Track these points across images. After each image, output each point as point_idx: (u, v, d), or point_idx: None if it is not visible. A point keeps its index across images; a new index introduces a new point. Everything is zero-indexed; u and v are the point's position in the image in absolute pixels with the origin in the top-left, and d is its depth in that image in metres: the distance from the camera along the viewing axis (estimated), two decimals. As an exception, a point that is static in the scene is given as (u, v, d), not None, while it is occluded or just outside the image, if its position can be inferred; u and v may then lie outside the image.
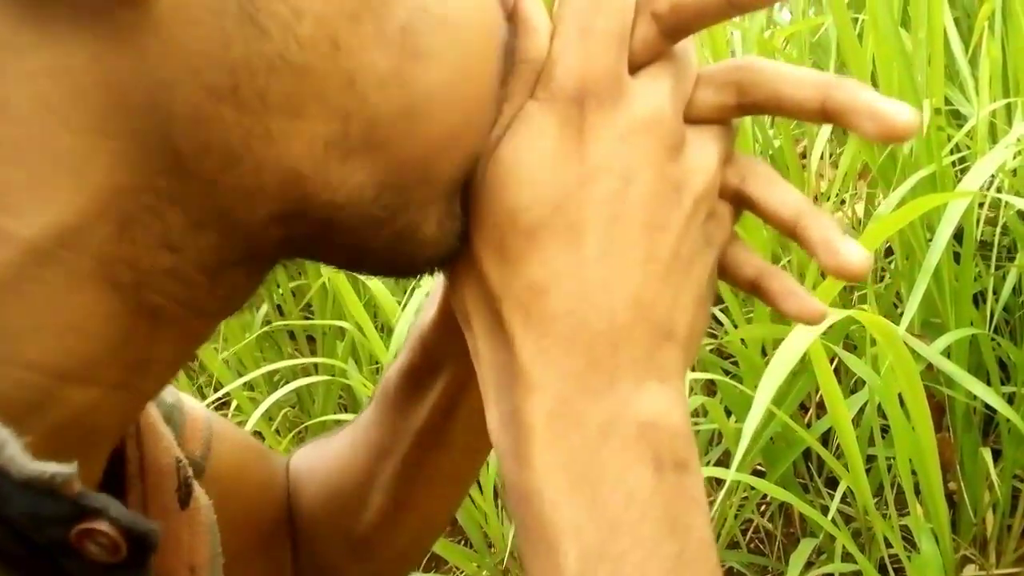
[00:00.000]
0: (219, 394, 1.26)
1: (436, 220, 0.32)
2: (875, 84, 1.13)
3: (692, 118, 0.34)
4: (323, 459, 0.53)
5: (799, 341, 0.73)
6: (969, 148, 1.16)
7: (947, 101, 1.24)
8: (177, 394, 0.46)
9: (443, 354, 0.43)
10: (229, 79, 0.26)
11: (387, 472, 0.47)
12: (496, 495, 1.14)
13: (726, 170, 0.35)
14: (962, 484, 1.04)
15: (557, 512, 0.30)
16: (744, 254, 0.37)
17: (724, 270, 0.36)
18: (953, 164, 1.14)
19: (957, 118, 1.29)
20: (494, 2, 0.33)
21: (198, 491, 0.39)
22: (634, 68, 0.33)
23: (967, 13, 1.46)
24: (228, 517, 0.41)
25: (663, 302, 0.32)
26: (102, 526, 0.26)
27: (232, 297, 0.31)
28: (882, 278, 1.23)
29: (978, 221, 1.12)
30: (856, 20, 1.27)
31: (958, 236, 1.03)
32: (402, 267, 0.34)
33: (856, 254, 0.32)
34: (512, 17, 0.34)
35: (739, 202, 0.36)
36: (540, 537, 0.31)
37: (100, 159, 0.26)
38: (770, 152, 1.25)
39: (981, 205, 1.08)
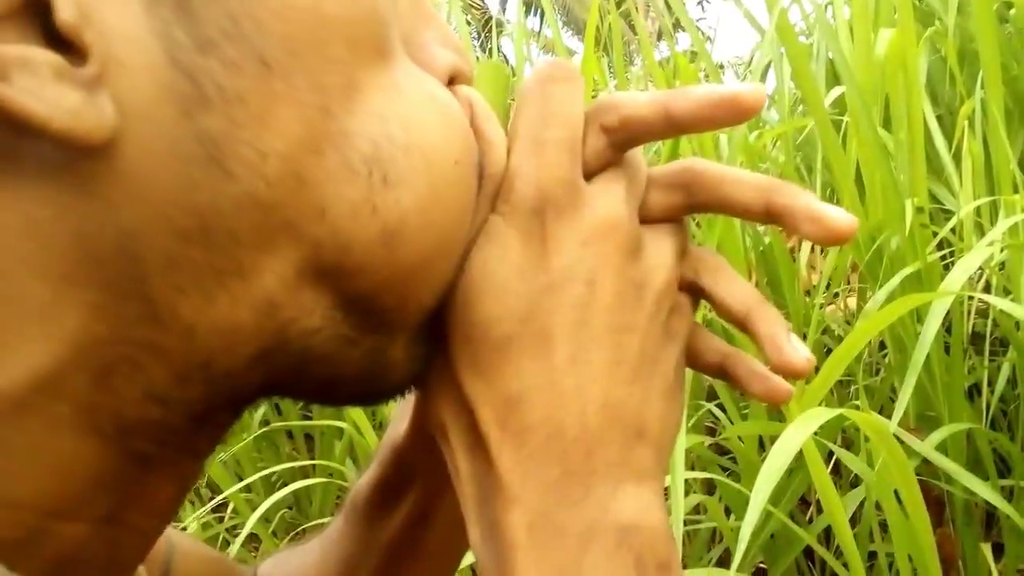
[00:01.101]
0: (218, 500, 1.26)
1: (403, 344, 0.32)
2: (859, 184, 1.16)
3: (646, 219, 0.35)
4: (292, 572, 0.52)
5: (793, 439, 0.73)
6: (957, 242, 1.18)
7: (933, 197, 1.26)
8: None
9: (416, 467, 0.43)
10: (198, 221, 0.26)
11: None
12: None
13: (681, 264, 0.36)
14: (965, 580, 1.02)
15: None
16: (707, 341, 0.38)
17: (690, 358, 0.37)
18: (943, 258, 1.16)
19: (945, 212, 1.32)
20: (463, 124, 0.33)
21: None
22: (588, 176, 0.34)
23: (949, 110, 1.49)
24: None
25: (632, 402, 0.33)
26: None
27: (217, 436, 0.31)
28: (877, 371, 1.23)
29: (969, 313, 1.13)
30: (839, 123, 1.30)
31: (950, 328, 1.04)
32: (373, 393, 0.34)
33: (798, 353, 0.34)
34: None
35: (694, 293, 0.37)
36: None
37: (73, 309, 0.26)
38: (760, 248, 1.26)
39: (971, 298, 1.09)
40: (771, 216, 0.34)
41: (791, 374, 0.34)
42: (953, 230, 1.14)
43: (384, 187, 0.29)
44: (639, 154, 0.36)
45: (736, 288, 0.36)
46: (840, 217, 0.33)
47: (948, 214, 1.31)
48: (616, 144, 0.35)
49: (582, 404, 0.32)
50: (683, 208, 0.36)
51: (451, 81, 0.35)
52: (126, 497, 0.29)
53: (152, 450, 0.28)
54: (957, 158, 1.24)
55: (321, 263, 0.28)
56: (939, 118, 1.34)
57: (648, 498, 0.32)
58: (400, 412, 0.44)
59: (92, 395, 0.26)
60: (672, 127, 0.34)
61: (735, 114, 0.33)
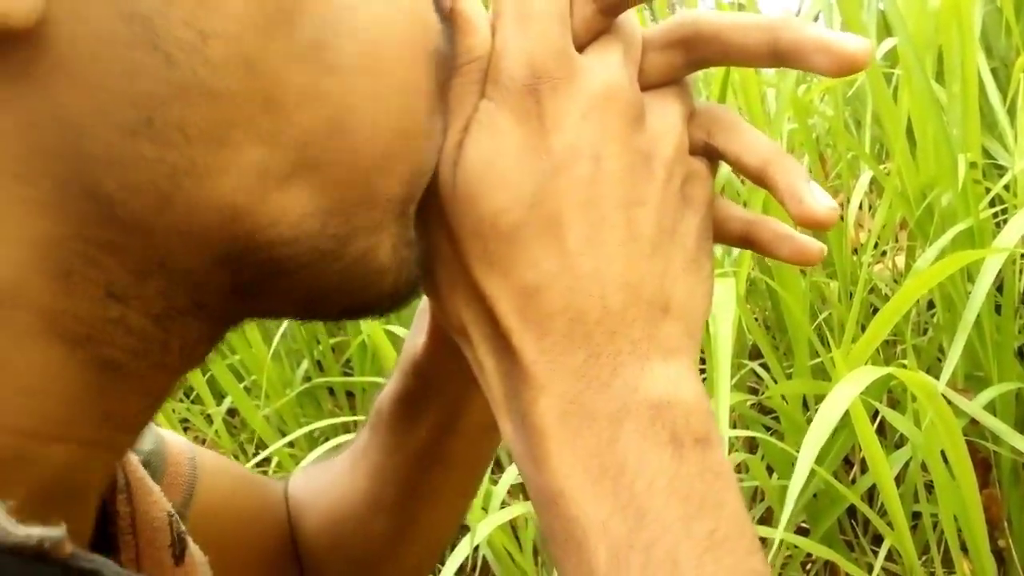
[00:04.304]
0: (263, 455, 1.27)
1: (390, 246, 0.31)
2: (911, 139, 1.13)
3: (647, 84, 0.34)
4: (323, 486, 0.52)
5: (840, 399, 0.72)
6: (1010, 199, 1.15)
7: (986, 152, 1.23)
8: (158, 436, 0.45)
9: (437, 376, 0.43)
10: (142, 113, 0.25)
11: (389, 495, 0.47)
12: (536, 553, 1.13)
13: (691, 126, 0.34)
14: (1010, 540, 1.01)
15: (581, 510, 0.30)
16: (728, 209, 0.36)
17: (713, 231, 0.35)
18: (995, 215, 1.13)
19: (998, 168, 1.28)
20: (422, 7, 0.31)
21: (192, 547, 0.39)
22: (580, 47, 0.33)
23: (1004, 62, 1.45)
24: (223, 547, 0.41)
25: (653, 278, 0.32)
26: None
27: (190, 350, 0.30)
28: (925, 331, 1.21)
29: (1021, 271, 1.10)
30: (890, 75, 1.27)
31: (1001, 287, 1.02)
32: (361, 305, 0.33)
33: (821, 202, 0.32)
34: (449, 18, 0.33)
35: (709, 155, 0.35)
36: (568, 537, 0.30)
37: (26, 209, 0.24)
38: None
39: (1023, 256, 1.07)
40: (779, 56, 0.32)
41: (814, 225, 0.32)
42: (1007, 187, 1.11)
43: (329, 74, 0.27)
44: (632, 18, 0.34)
45: (752, 142, 0.34)
46: (852, 42, 0.31)
47: (1001, 170, 1.27)
48: (605, 9, 0.33)
49: (601, 285, 0.31)
50: (684, 66, 0.34)
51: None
52: (103, 412, 0.28)
53: (118, 356, 0.27)
54: (1012, 112, 1.21)
55: (280, 161, 0.27)
56: (993, 71, 1.31)
57: (679, 373, 0.31)
58: (416, 324, 0.44)
59: (53, 299, 0.25)
60: None
61: None
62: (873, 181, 1.27)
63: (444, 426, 0.44)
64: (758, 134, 0.34)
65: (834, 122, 1.31)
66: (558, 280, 0.31)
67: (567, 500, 0.30)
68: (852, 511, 1.11)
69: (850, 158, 1.31)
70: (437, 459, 0.45)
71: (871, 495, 1.08)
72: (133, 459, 0.38)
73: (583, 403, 0.31)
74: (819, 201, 0.32)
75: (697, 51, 0.34)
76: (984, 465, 1.04)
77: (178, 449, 0.47)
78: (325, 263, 0.29)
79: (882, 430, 1.09)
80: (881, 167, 1.24)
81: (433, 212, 0.33)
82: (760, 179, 0.34)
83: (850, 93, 1.39)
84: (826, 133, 1.43)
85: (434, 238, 0.33)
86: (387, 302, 0.33)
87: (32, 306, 0.25)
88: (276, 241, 0.28)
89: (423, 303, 0.43)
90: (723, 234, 0.36)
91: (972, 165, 0.98)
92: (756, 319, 1.23)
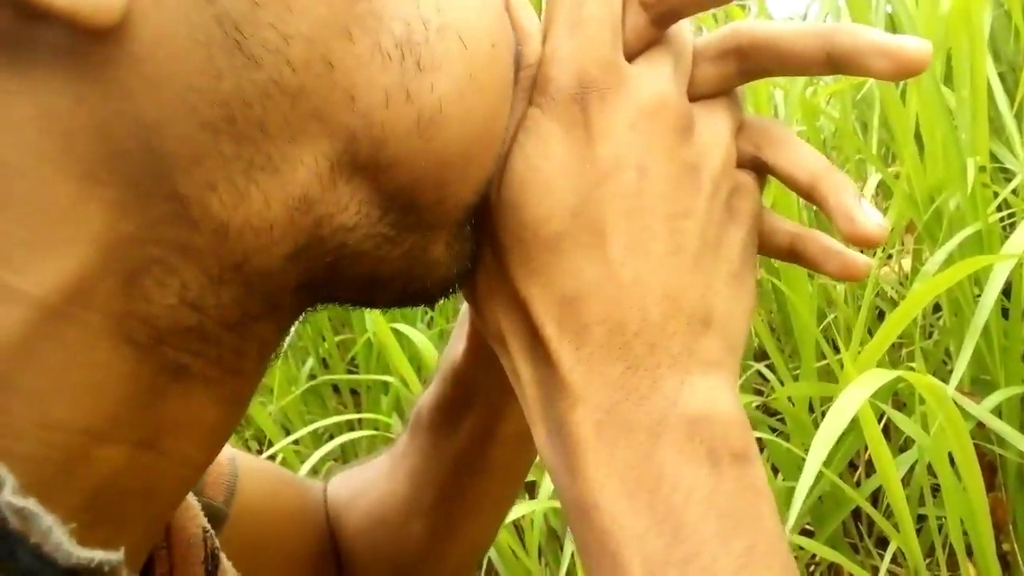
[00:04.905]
0: (269, 452, 1.27)
1: (445, 241, 0.31)
2: (919, 142, 1.13)
3: (696, 95, 0.33)
4: (362, 488, 0.52)
5: (850, 402, 0.72)
6: (1017, 204, 1.15)
7: (993, 156, 1.23)
8: None
9: (477, 384, 0.43)
10: (223, 111, 0.25)
11: (427, 499, 0.47)
12: (540, 554, 1.13)
13: (739, 139, 0.34)
14: (1015, 545, 1.01)
15: (616, 522, 0.29)
16: (775, 222, 0.36)
17: (759, 243, 0.35)
18: (1001, 220, 1.13)
19: (1005, 173, 1.28)
20: (500, 10, 0.31)
21: (225, 563, 0.39)
22: (630, 57, 0.33)
23: (1012, 67, 1.45)
24: (263, 546, 0.41)
25: (695, 291, 0.31)
26: None
27: (264, 354, 0.30)
28: (930, 334, 1.21)
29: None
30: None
31: (1007, 291, 1.02)
32: (415, 293, 0.33)
33: (871, 220, 0.32)
34: None
35: (757, 168, 0.35)
36: (602, 550, 0.30)
37: (99, 209, 0.24)
38: (815, 208, 1.24)
39: (1030, 261, 1.07)
40: (836, 63, 0.32)
41: (865, 243, 0.32)
42: (1014, 191, 1.11)
43: (418, 72, 0.27)
44: (684, 28, 0.34)
45: (801, 157, 0.34)
46: (911, 44, 0.30)
47: (1007, 174, 1.27)
48: (657, 19, 0.33)
49: (642, 296, 0.31)
50: (736, 77, 0.34)
51: None
52: (166, 418, 0.27)
53: (190, 362, 0.27)
54: (1019, 117, 1.21)
55: (355, 155, 0.27)
56: (1001, 75, 1.31)
57: (718, 388, 0.31)
58: (456, 331, 0.44)
59: (123, 301, 0.25)
60: None
61: None
62: (879, 184, 1.28)
63: (483, 433, 0.44)
64: (808, 148, 0.34)
65: (841, 124, 1.31)
66: (599, 290, 0.31)
67: (602, 512, 0.30)
68: (857, 513, 1.11)
69: (857, 160, 1.31)
70: (475, 466, 0.45)
71: (876, 497, 1.08)
72: None
73: (621, 415, 0.30)
74: (869, 218, 0.32)
75: (751, 61, 0.33)
76: (990, 469, 1.04)
77: None
78: (384, 250, 0.29)
79: (886, 431, 1.09)
80: (887, 170, 1.24)
81: (476, 218, 0.33)
82: (809, 195, 0.33)
83: (859, 97, 1.40)
84: (832, 135, 1.44)
85: (475, 244, 0.33)
86: (439, 292, 0.33)
87: (101, 307, 0.25)
88: (342, 228, 0.28)
89: (464, 311, 0.43)
90: (769, 247, 0.36)
91: (981, 169, 0.98)
92: (762, 320, 1.23)
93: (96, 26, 0.23)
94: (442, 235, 0.31)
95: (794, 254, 0.35)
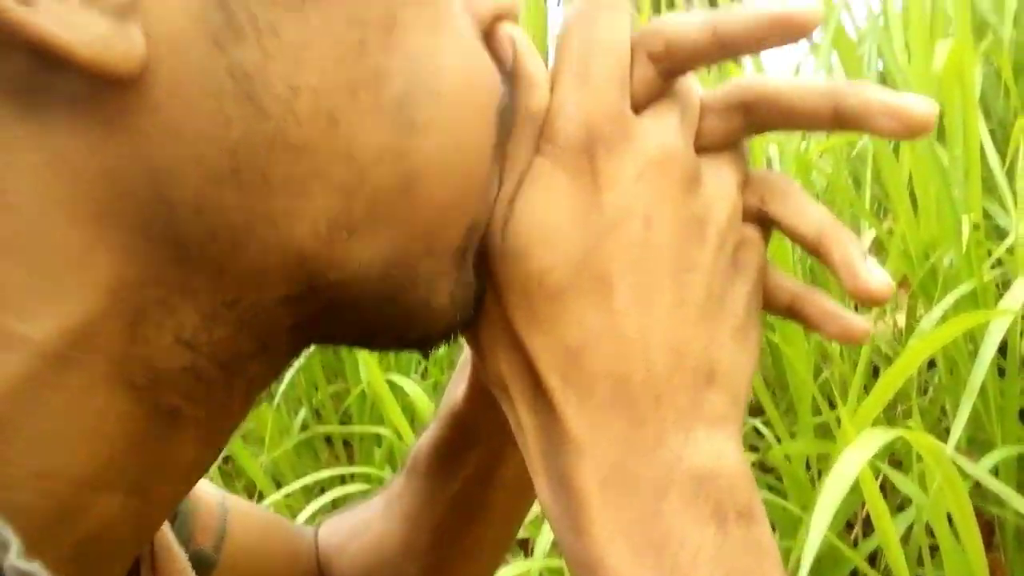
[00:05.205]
0: (261, 505, 1.26)
1: (447, 292, 0.31)
2: (912, 199, 1.14)
3: (702, 147, 0.33)
4: (354, 531, 0.51)
5: (851, 464, 0.72)
6: (1010, 260, 1.16)
7: (986, 214, 1.24)
8: None
9: (477, 427, 0.42)
10: (230, 161, 0.25)
11: (423, 543, 0.46)
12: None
13: (745, 192, 0.34)
14: (1016, 607, 1.00)
15: None
16: (778, 279, 0.35)
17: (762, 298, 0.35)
18: (994, 278, 1.13)
19: (997, 229, 1.29)
20: (489, 67, 0.32)
21: None
22: (637, 108, 0.33)
23: (1002, 124, 1.47)
24: None
25: (699, 344, 0.31)
26: None
27: (252, 392, 0.30)
28: (926, 391, 1.21)
29: (1022, 333, 1.11)
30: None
31: (1003, 349, 1.02)
32: (415, 341, 0.33)
33: (877, 278, 0.32)
34: (511, 74, 0.33)
35: (763, 222, 0.35)
36: None
37: (104, 252, 0.25)
38: (809, 263, 1.25)
39: (1024, 318, 1.07)
40: (842, 120, 0.32)
41: (868, 300, 0.32)
42: (1009, 249, 1.12)
43: (410, 133, 0.28)
44: (691, 81, 0.34)
45: (807, 211, 0.34)
46: (918, 104, 0.30)
47: (999, 230, 1.28)
48: (665, 72, 0.33)
49: (647, 349, 0.30)
50: (742, 130, 0.34)
51: (496, 19, 0.33)
52: (154, 461, 0.27)
53: (182, 405, 0.27)
54: (1010, 174, 1.22)
55: (351, 213, 0.27)
56: (991, 132, 1.32)
57: (723, 443, 0.31)
58: (457, 374, 0.44)
59: (125, 344, 0.25)
60: (722, 49, 0.32)
61: (788, 33, 0.31)
62: (874, 240, 1.28)
63: (481, 477, 0.44)
64: (813, 203, 0.34)
65: (834, 179, 1.32)
66: (603, 341, 0.30)
67: (607, 570, 0.29)
68: (854, 573, 1.09)
69: (850, 215, 1.32)
70: (473, 509, 0.45)
71: (874, 557, 1.07)
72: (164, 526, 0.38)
73: (626, 470, 0.30)
74: (874, 276, 0.32)
75: (757, 115, 0.33)
76: (988, 528, 1.03)
77: (207, 491, 0.46)
78: (384, 304, 0.30)
79: (882, 488, 1.09)
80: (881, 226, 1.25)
81: (480, 266, 0.33)
82: (815, 249, 0.33)
83: (854, 153, 1.41)
84: (825, 190, 1.45)
85: (478, 289, 0.33)
86: (441, 339, 0.33)
87: (103, 351, 0.25)
88: (338, 284, 0.28)
89: (465, 353, 0.43)
90: (771, 303, 0.35)
91: (975, 227, 0.98)
92: (758, 375, 1.23)
93: (119, 75, 0.24)
94: (443, 285, 0.31)
95: (794, 313, 0.35)
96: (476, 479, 0.44)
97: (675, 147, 0.32)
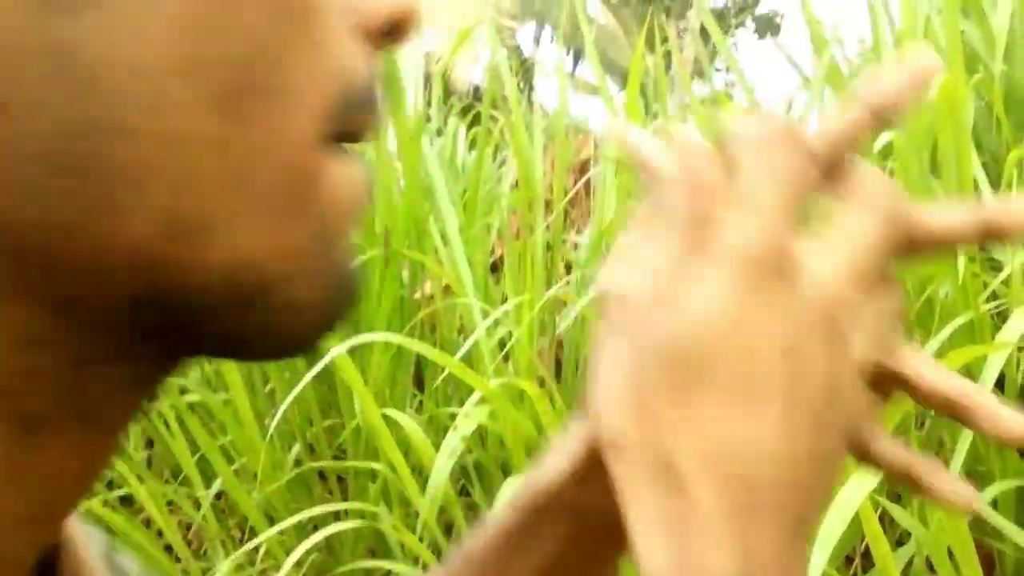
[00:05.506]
0: (254, 543, 1.25)
1: (310, 286, 0.29)
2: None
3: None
4: None
5: (852, 497, 0.71)
6: (1005, 293, 1.16)
7: (981, 246, 1.24)
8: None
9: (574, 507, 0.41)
10: (51, 144, 0.24)
11: None
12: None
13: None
14: (1017, 642, 0.99)
15: None
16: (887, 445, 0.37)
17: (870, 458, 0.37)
18: (990, 310, 1.14)
19: (991, 261, 1.29)
20: (335, 62, 0.30)
21: None
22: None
23: (994, 158, 1.48)
24: None
25: (822, 484, 0.32)
26: None
27: (116, 399, 0.28)
28: (923, 424, 1.21)
29: (1018, 364, 1.11)
30: (885, 168, 1.29)
31: (1001, 382, 1.02)
32: (297, 343, 0.31)
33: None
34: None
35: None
36: None
37: None
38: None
39: (1021, 349, 1.07)
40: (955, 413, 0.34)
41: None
42: (1005, 281, 1.12)
43: (240, 124, 0.26)
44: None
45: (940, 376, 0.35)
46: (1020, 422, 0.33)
47: (994, 263, 1.29)
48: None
49: (795, 460, 0.31)
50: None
51: (393, 30, 0.30)
52: (27, 480, 0.26)
53: (41, 410, 0.26)
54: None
55: (190, 210, 0.26)
56: (983, 165, 1.33)
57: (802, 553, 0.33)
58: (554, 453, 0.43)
59: None
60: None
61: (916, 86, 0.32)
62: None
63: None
64: (946, 372, 0.35)
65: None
66: (746, 446, 0.31)
67: None
68: (854, 608, 1.08)
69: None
70: None
71: (873, 592, 1.06)
72: (81, 545, 0.36)
73: (763, 566, 0.31)
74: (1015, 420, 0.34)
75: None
76: (988, 561, 1.03)
77: None
78: (243, 310, 0.28)
79: (881, 520, 1.08)
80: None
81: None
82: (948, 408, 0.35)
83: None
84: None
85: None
86: (317, 336, 0.31)
87: None
88: (190, 290, 0.27)
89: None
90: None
91: (971, 259, 0.99)
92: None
93: None
94: (300, 284, 0.29)
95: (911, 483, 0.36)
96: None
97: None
